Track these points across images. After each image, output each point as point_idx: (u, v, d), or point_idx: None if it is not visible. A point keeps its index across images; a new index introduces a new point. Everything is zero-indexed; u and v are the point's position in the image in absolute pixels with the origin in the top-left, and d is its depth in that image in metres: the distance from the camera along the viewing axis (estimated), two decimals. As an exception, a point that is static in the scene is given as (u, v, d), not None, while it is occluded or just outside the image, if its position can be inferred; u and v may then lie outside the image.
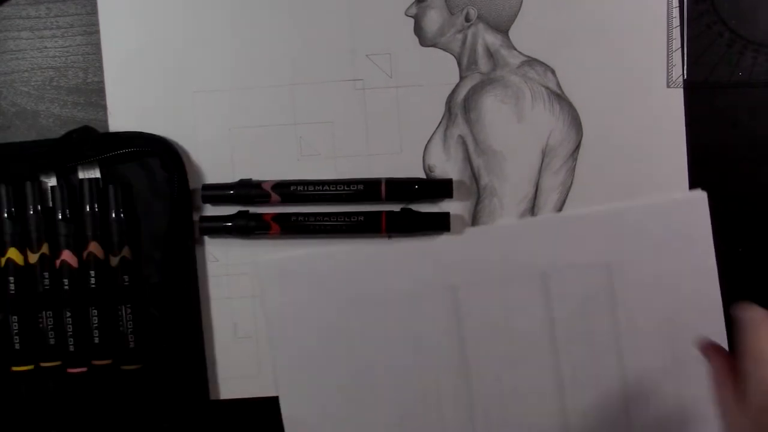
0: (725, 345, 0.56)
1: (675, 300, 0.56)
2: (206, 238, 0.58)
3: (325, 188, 0.56)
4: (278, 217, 0.56)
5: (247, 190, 0.56)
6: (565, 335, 0.57)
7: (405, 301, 0.57)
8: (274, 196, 0.56)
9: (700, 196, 0.57)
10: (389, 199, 0.56)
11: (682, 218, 0.56)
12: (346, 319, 0.57)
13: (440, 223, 0.56)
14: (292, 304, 0.57)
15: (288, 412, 0.57)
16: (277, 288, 0.57)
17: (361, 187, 0.56)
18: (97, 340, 0.56)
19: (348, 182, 0.56)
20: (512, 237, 0.57)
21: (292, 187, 0.56)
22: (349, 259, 0.57)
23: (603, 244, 0.57)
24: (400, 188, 0.56)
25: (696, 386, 0.56)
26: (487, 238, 0.57)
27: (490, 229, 0.57)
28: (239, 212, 0.57)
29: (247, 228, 0.56)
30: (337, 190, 0.56)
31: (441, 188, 0.56)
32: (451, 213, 0.56)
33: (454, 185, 0.56)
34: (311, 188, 0.56)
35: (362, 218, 0.56)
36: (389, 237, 0.57)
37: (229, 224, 0.56)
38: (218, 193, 0.56)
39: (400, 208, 0.57)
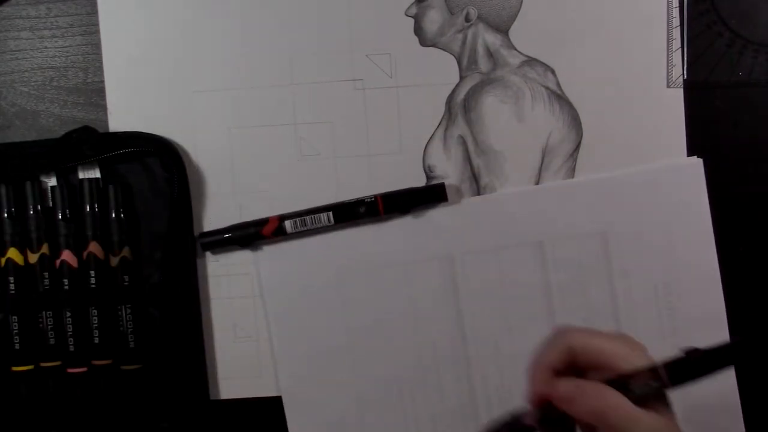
0: (723, 313, 0.56)
1: (671, 266, 0.57)
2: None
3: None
4: (276, 231, 0.56)
5: (244, 231, 0.56)
6: (562, 303, 0.57)
7: (402, 272, 0.57)
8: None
9: (696, 163, 0.57)
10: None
11: (678, 185, 0.57)
12: (345, 291, 0.57)
13: (437, 195, 0.56)
14: (289, 279, 0.57)
15: (286, 384, 0.58)
16: (273, 261, 0.57)
17: (363, 209, 0.56)
18: (97, 340, 0.56)
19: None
20: (508, 207, 0.57)
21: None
22: (346, 231, 0.57)
23: (599, 211, 0.57)
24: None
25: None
26: (483, 208, 0.57)
27: (486, 199, 0.57)
28: (237, 224, 0.57)
29: (247, 236, 0.56)
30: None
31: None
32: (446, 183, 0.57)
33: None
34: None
35: (363, 207, 0.56)
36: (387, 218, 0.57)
37: (229, 235, 0.57)
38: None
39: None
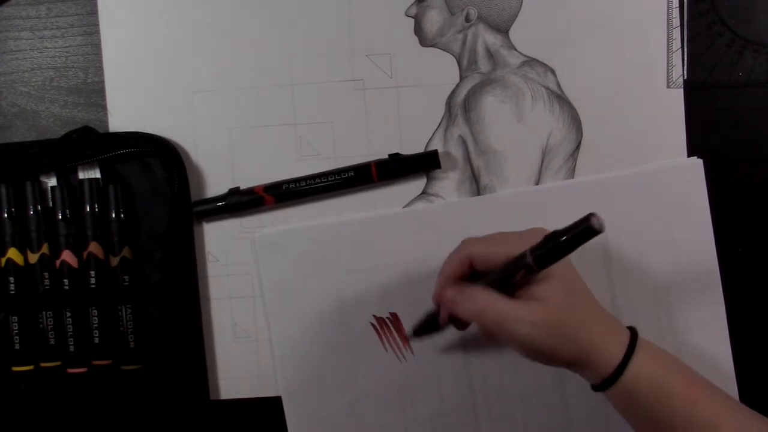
0: (723, 313, 0.56)
1: (671, 266, 0.57)
2: (206, 237, 0.58)
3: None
4: (270, 188, 0.56)
5: (238, 198, 0.56)
6: None
7: (403, 272, 0.57)
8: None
9: (696, 163, 0.57)
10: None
11: (678, 185, 0.57)
12: (344, 291, 0.57)
13: (430, 162, 0.56)
14: (288, 276, 0.57)
15: (285, 383, 0.58)
16: (273, 260, 0.57)
17: (352, 173, 0.56)
18: (97, 340, 0.56)
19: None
20: (508, 207, 0.57)
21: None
22: (345, 230, 0.57)
23: (599, 211, 0.56)
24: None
25: (693, 351, 0.56)
26: (483, 208, 0.57)
27: (486, 199, 0.57)
28: (230, 190, 0.57)
29: (240, 204, 0.56)
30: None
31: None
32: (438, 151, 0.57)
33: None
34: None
35: (352, 173, 0.56)
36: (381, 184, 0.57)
37: (222, 203, 0.56)
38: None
39: (387, 155, 0.57)
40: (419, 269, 0.57)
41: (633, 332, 0.49)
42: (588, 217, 0.41)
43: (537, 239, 0.46)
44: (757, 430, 0.46)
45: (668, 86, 0.57)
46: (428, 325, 0.53)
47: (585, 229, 0.41)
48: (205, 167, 0.58)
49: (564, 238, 0.43)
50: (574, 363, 0.48)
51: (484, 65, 0.57)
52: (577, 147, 0.57)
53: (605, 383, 0.48)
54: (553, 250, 0.43)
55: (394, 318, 0.57)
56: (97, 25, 0.57)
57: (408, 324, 0.57)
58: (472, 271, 0.50)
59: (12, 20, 0.58)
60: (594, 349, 0.47)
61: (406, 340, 0.57)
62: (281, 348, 0.58)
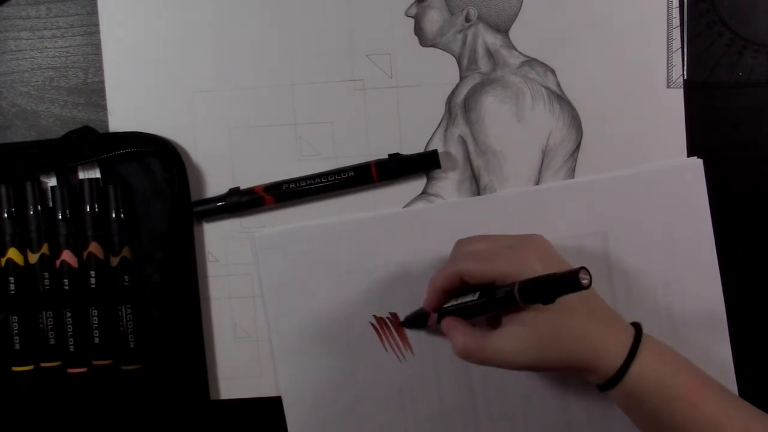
0: (723, 313, 0.56)
1: (671, 266, 0.57)
2: (206, 237, 0.58)
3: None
4: (270, 188, 0.56)
5: (238, 198, 0.56)
6: None
7: (404, 272, 0.57)
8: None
9: (696, 163, 0.57)
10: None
11: (678, 185, 0.57)
12: (345, 291, 0.57)
13: (430, 162, 0.56)
14: (288, 276, 0.57)
15: (285, 383, 0.58)
16: (273, 260, 0.57)
17: (352, 173, 0.56)
18: (97, 340, 0.56)
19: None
20: (509, 207, 0.57)
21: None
22: (345, 230, 0.57)
23: (599, 211, 0.57)
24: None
25: (693, 351, 0.56)
26: (483, 208, 0.57)
27: (486, 199, 0.57)
28: (230, 190, 0.57)
29: (240, 204, 0.56)
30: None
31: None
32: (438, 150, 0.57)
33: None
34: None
35: (353, 173, 0.56)
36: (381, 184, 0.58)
37: (222, 203, 0.56)
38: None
39: (387, 155, 0.57)
40: (419, 269, 0.57)
41: (637, 329, 0.49)
42: (577, 271, 0.41)
43: (532, 246, 0.48)
44: (762, 429, 0.46)
45: (668, 86, 0.57)
46: (418, 321, 0.55)
47: (571, 282, 0.42)
48: (205, 167, 0.58)
49: (549, 284, 0.43)
50: (571, 369, 0.48)
51: (484, 65, 0.57)
52: (577, 147, 0.57)
53: (609, 383, 0.47)
54: (539, 294, 0.44)
55: (394, 318, 0.57)
56: (97, 25, 0.57)
57: (408, 323, 0.57)
58: (463, 283, 0.50)
59: (12, 20, 0.58)
60: (593, 354, 0.47)
61: (406, 340, 0.57)
62: (281, 348, 0.58)
